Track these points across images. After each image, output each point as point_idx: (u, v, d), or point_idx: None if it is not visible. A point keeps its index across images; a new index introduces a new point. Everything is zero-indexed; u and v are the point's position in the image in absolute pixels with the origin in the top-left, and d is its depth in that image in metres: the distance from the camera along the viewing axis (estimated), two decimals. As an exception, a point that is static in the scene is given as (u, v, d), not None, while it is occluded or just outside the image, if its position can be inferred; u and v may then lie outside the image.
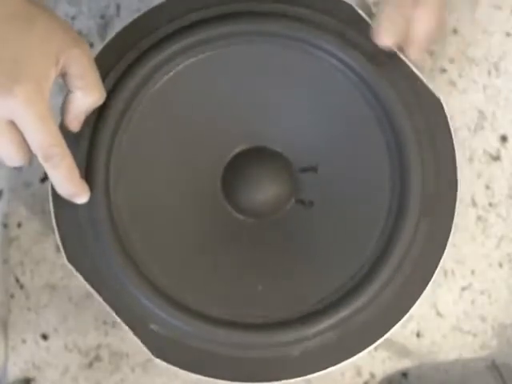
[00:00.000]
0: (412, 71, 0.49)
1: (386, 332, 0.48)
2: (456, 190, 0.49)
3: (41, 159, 0.43)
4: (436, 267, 0.49)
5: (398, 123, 0.48)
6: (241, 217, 0.52)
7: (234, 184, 0.52)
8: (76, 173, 0.45)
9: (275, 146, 0.52)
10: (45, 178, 0.59)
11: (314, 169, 0.51)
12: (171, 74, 0.49)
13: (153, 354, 0.47)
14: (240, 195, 0.52)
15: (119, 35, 0.49)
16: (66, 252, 0.47)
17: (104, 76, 0.47)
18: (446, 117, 0.49)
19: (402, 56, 0.49)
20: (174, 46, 0.48)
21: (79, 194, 0.46)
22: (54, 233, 0.48)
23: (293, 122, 0.52)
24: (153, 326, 0.47)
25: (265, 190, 0.52)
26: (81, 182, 0.46)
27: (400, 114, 0.48)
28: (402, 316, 0.48)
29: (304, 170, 0.51)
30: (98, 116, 0.47)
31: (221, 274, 0.50)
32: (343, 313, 0.47)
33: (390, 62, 0.48)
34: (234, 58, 0.49)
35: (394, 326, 0.48)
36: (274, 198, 0.52)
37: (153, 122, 0.49)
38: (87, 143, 0.47)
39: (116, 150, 0.48)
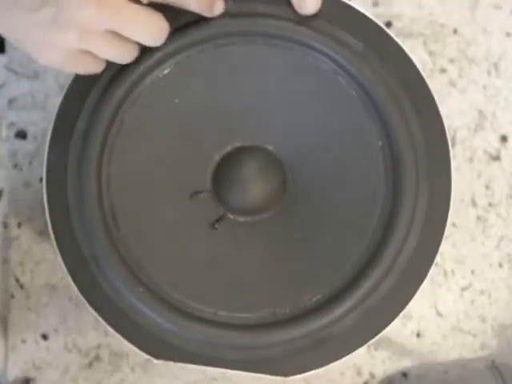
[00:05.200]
0: (406, 58, 0.49)
1: (381, 331, 0.48)
2: (450, 193, 0.49)
3: None
4: (430, 266, 0.49)
5: (393, 125, 0.48)
6: (231, 216, 0.52)
7: (225, 183, 0.52)
8: None
9: (267, 145, 0.52)
10: (45, 178, 0.59)
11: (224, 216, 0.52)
12: (161, 75, 0.49)
13: (154, 357, 0.47)
14: (230, 194, 0.52)
15: None
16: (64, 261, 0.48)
17: (95, 77, 0.47)
18: (438, 113, 0.49)
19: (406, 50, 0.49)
20: (166, 48, 0.48)
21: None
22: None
23: (285, 122, 0.52)
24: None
25: (255, 189, 0.52)
26: None
27: (395, 118, 0.48)
28: (398, 314, 0.48)
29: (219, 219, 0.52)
30: (89, 118, 0.48)
31: (211, 274, 0.50)
32: (337, 312, 0.47)
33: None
34: (224, 58, 0.49)
35: (389, 324, 0.48)
36: (264, 197, 0.52)
37: (144, 124, 0.49)
38: (79, 147, 0.48)
39: (108, 152, 0.48)
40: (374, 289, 0.48)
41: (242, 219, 0.52)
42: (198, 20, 0.48)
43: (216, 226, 0.51)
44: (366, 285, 0.47)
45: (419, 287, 0.49)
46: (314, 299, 0.48)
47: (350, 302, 0.47)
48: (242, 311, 0.48)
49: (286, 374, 0.48)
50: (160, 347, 0.48)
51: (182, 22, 0.48)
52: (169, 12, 0.46)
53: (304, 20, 0.48)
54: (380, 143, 0.49)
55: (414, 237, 0.48)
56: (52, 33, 0.41)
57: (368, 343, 0.48)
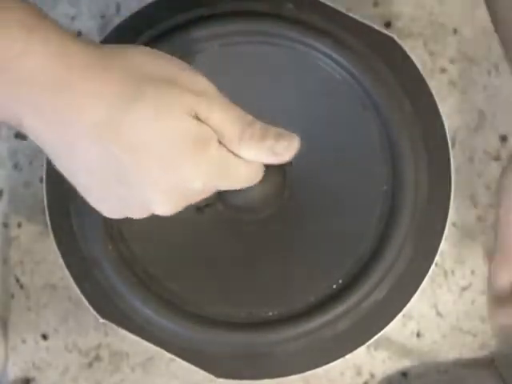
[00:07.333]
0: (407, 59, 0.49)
1: (380, 331, 0.48)
2: (449, 193, 0.49)
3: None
4: (430, 267, 0.49)
5: (393, 126, 0.48)
6: (232, 214, 0.52)
7: None
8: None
9: None
10: (45, 178, 0.59)
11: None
12: None
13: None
14: (231, 192, 0.52)
15: (118, 29, 0.49)
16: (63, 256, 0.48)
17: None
18: (438, 113, 0.49)
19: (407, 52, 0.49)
20: (168, 46, 0.48)
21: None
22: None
23: (285, 120, 0.52)
24: None
25: (256, 187, 0.52)
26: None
27: (395, 118, 0.48)
28: (396, 314, 0.48)
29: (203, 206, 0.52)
30: None
31: (211, 272, 0.50)
32: (337, 310, 0.47)
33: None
34: (226, 57, 0.50)
35: (387, 324, 0.48)
36: (265, 194, 0.52)
37: None
38: None
39: None
40: (373, 290, 0.48)
41: (241, 217, 0.52)
42: (201, 19, 0.48)
43: (203, 210, 0.51)
44: (364, 287, 0.47)
45: (419, 287, 0.49)
46: (311, 299, 0.48)
47: (344, 306, 0.47)
48: (240, 309, 0.48)
49: (217, 375, 0.48)
50: (110, 310, 0.48)
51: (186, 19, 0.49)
52: (170, 11, 0.46)
53: (305, 21, 0.48)
54: (380, 144, 0.49)
55: (413, 237, 0.48)
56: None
57: (367, 344, 0.48)
